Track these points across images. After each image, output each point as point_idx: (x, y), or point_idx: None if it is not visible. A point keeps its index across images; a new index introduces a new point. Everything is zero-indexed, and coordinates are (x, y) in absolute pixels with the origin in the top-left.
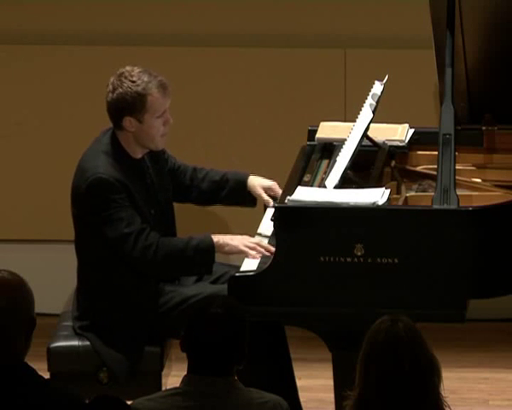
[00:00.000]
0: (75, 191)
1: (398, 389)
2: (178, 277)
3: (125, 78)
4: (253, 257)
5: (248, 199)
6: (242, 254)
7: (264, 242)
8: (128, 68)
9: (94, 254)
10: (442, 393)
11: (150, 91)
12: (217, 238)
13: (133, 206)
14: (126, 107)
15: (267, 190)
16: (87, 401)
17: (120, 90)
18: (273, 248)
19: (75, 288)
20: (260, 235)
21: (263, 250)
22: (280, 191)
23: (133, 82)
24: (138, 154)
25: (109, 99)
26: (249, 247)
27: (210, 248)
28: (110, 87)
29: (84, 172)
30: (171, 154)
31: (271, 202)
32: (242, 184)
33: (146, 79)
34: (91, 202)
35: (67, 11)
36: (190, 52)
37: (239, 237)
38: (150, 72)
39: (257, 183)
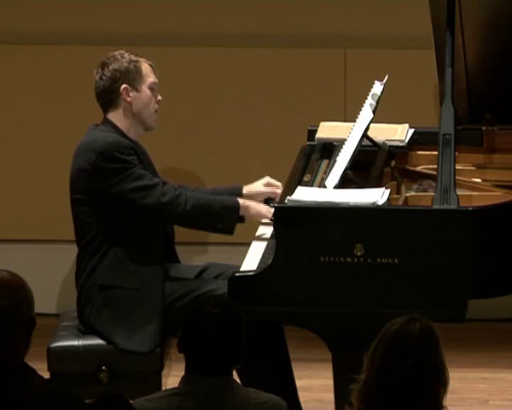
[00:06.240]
0: (79, 173)
1: (398, 383)
2: (201, 229)
3: (112, 57)
4: None
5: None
6: (264, 219)
7: None
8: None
9: (98, 237)
10: (445, 406)
11: (142, 61)
12: (242, 200)
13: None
14: (122, 75)
15: (265, 184)
16: (87, 401)
17: (113, 65)
18: None
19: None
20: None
21: None
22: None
23: (122, 55)
24: (133, 135)
25: (99, 80)
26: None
27: (235, 206)
28: (98, 71)
29: (90, 147)
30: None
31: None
32: (238, 192)
33: (134, 54)
34: (107, 168)
35: (67, 11)
36: (190, 52)
37: (263, 205)
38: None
39: (254, 185)
